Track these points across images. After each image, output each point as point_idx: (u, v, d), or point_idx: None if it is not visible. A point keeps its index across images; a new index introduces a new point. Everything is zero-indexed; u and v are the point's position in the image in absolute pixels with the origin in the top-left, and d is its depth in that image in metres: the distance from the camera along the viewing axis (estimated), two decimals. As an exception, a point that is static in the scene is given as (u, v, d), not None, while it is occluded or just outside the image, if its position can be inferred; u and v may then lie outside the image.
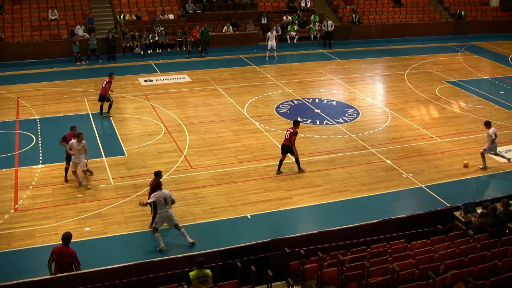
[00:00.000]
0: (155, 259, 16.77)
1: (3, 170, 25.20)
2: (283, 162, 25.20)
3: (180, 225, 19.96)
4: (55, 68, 40.54)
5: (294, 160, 25.15)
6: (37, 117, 31.15)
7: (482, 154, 25.75)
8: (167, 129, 29.44)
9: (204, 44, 44.65)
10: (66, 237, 16.52)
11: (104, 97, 30.73)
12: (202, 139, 28.29)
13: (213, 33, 45.95)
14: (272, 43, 43.56)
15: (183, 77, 38.15)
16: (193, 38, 44.32)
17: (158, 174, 20.50)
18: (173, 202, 19.86)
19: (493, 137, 25.36)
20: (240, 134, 29.00)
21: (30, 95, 34.61)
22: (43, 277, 16.19)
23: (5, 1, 45.57)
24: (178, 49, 44.91)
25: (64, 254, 16.42)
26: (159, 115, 31.30)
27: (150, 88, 36.09)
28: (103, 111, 31.06)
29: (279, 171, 25.14)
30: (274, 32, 43.87)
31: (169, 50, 44.73)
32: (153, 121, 30.46)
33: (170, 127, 29.62)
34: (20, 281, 15.97)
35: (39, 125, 30.06)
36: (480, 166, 25.82)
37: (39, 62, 41.46)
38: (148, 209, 21.74)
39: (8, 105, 33.14)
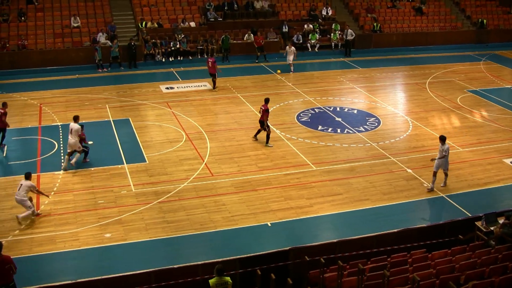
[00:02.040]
0: (175, 266, 16.83)
1: (25, 176, 25.41)
2: (259, 133, 28.98)
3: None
4: (77, 75, 40.81)
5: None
6: (59, 124, 31.38)
7: (434, 173, 24.41)
8: (188, 136, 29.53)
9: (225, 52, 44.78)
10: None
11: None
12: (223, 147, 28.34)
13: (234, 41, 46.05)
14: (289, 57, 42.59)
15: (204, 85, 38.24)
16: (256, 44, 45.28)
17: None
18: None
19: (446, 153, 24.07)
20: (260, 141, 28.98)
21: (52, 101, 34.87)
22: (62, 283, 16.32)
23: (28, 9, 45.99)
24: (199, 56, 45.03)
25: (4, 262, 16.32)
26: (180, 122, 31.40)
27: (171, 95, 36.23)
28: None
29: (255, 138, 29.21)
30: (293, 47, 42.83)
31: (190, 57, 44.88)
32: (174, 128, 30.56)
33: (191, 135, 29.71)
34: (40, 286, 16.11)
35: (61, 131, 30.25)
36: (428, 188, 24.72)
37: (61, 69, 41.77)
38: (168, 215, 21.91)
39: (30, 111, 33.43)
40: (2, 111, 28.54)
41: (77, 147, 26.00)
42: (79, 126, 25.96)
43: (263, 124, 28.61)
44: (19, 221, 21.47)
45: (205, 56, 44.69)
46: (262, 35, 46.93)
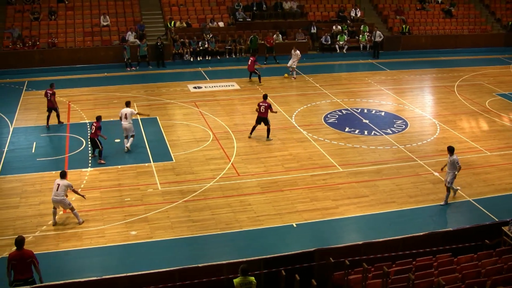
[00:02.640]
0: (199, 265, 16.83)
1: (53, 172, 25.61)
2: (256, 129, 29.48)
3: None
4: (105, 74, 41.10)
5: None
6: (87, 121, 31.63)
7: (448, 188, 23.40)
8: (215, 136, 29.64)
9: (253, 52, 44.81)
10: (20, 241, 16.62)
11: None
12: (250, 147, 28.38)
13: (262, 41, 46.07)
14: (291, 61, 40.43)
15: (232, 85, 38.31)
16: (267, 44, 45.26)
17: None
18: None
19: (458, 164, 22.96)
20: (287, 142, 29.02)
21: (80, 99, 35.14)
22: (88, 279, 16.45)
23: (58, 7, 46.43)
24: (227, 56, 45.15)
25: (25, 256, 16.60)
26: (207, 121, 31.52)
27: (199, 95, 36.34)
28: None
29: (250, 136, 29.53)
30: (297, 51, 40.66)
31: (218, 57, 45.03)
32: (201, 127, 30.67)
33: (218, 134, 29.80)
34: (66, 281, 16.20)
35: (89, 129, 30.49)
36: (442, 203, 23.56)
37: (90, 67, 42.13)
38: (194, 214, 21.97)
39: (60, 108, 33.62)
40: (51, 91, 30.30)
41: (132, 130, 27.23)
42: (132, 110, 26.95)
43: (263, 120, 29.19)
44: (55, 220, 21.63)
45: (233, 56, 44.87)
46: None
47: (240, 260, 16.71)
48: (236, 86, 38.29)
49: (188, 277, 16.27)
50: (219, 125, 31.12)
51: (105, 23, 45.53)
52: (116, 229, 21.23)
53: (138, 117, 30.23)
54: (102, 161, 26.56)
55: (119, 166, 26.21)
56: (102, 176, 25.24)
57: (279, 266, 16.52)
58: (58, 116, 31.23)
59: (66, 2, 46.98)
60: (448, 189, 23.18)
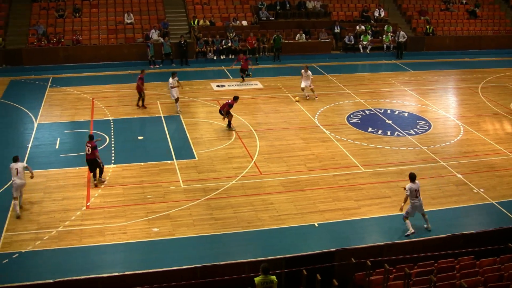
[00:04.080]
0: (221, 263, 16.89)
1: (77, 168, 25.85)
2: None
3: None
4: (129, 71, 41.27)
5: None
6: (110, 118, 31.86)
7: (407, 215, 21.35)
8: (237, 134, 29.67)
9: (276, 51, 44.83)
10: None
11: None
12: (272, 146, 28.40)
13: (285, 41, 46.06)
14: (305, 83, 36.00)
15: (255, 84, 38.33)
16: (249, 45, 44.86)
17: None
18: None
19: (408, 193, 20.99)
20: (310, 142, 29.00)
21: (104, 96, 35.34)
22: (111, 274, 16.61)
23: (83, 5, 46.75)
24: (250, 55, 45.17)
25: None
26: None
27: (222, 93, 36.39)
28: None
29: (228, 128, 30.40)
30: (309, 72, 35.87)
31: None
32: (224, 126, 30.69)
33: (240, 133, 29.84)
34: (88, 276, 16.34)
35: (112, 126, 30.71)
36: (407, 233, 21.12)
37: (114, 64, 42.39)
38: (216, 212, 22.04)
39: (83, 105, 34.00)
40: (141, 76, 32.07)
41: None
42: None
43: (221, 113, 30.51)
44: None
45: (257, 55, 44.88)
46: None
47: (262, 258, 16.76)
48: (259, 85, 38.32)
49: (209, 275, 16.32)
50: (242, 123, 31.14)
51: (129, 21, 45.77)
52: (138, 226, 21.34)
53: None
54: (103, 180, 24.89)
55: (142, 163, 26.34)
56: (125, 173, 25.38)
57: (300, 266, 16.54)
58: (143, 100, 33.75)
59: (91, -1, 47.37)
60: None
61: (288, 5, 49.60)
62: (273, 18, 48.54)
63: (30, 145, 28.51)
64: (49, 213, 22.16)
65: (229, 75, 40.76)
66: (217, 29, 46.15)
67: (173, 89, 32.50)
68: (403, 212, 21.09)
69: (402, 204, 21.08)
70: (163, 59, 43.17)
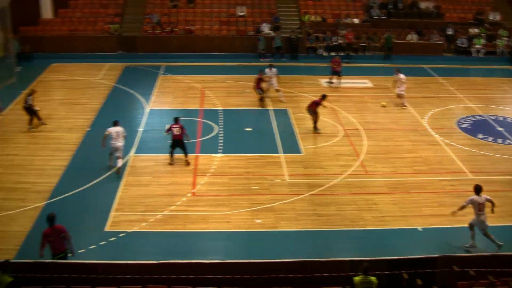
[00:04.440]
0: (321, 259, 16.82)
1: (184, 155, 26.32)
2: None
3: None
4: (239, 63, 41.68)
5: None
6: (219, 108, 32.32)
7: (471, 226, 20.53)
8: (345, 132, 29.49)
9: (387, 51, 44.29)
10: (52, 217, 17.01)
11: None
12: (379, 146, 28.08)
13: (396, 40, 45.45)
14: (400, 89, 34.05)
15: (365, 82, 37.96)
16: (347, 40, 44.52)
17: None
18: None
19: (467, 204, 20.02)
20: (418, 144, 28.50)
21: (214, 86, 35.78)
22: (211, 261, 16.81)
23: (197, -4, 47.71)
24: (360, 53, 44.79)
25: (58, 231, 16.96)
26: (339, 117, 31.42)
27: (331, 90, 36.16)
28: None
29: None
30: (401, 75, 34.04)
31: (351, 53, 44.70)
32: (332, 123, 30.59)
33: (348, 131, 29.63)
34: (190, 261, 16.66)
35: (221, 115, 31.13)
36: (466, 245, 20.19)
37: (225, 55, 42.89)
38: (319, 208, 22.03)
39: (193, 94, 34.63)
40: (260, 76, 32.11)
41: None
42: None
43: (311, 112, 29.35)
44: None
45: (367, 54, 44.51)
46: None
47: (363, 258, 16.54)
48: (369, 84, 37.96)
49: (308, 270, 16.31)
50: (350, 121, 30.93)
51: (241, 13, 46.26)
52: (242, 216, 21.58)
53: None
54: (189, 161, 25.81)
55: (249, 155, 26.60)
56: (232, 163, 25.67)
57: (401, 269, 16.33)
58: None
59: (205, -10, 48.18)
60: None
61: (400, 4, 48.87)
62: (385, 17, 47.95)
63: (141, 129, 29.31)
64: (156, 197, 22.70)
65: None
66: (328, 26, 46.02)
67: (272, 79, 33.23)
68: (455, 212, 20.17)
69: (456, 209, 20.21)
70: (273, 53, 43.38)
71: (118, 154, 24.55)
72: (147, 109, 32.13)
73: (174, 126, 25.55)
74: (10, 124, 29.82)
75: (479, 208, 19.68)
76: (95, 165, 25.51)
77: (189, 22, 45.00)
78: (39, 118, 29.45)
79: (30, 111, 29.12)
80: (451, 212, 20.22)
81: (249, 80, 36.18)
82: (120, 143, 24.52)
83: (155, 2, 47.29)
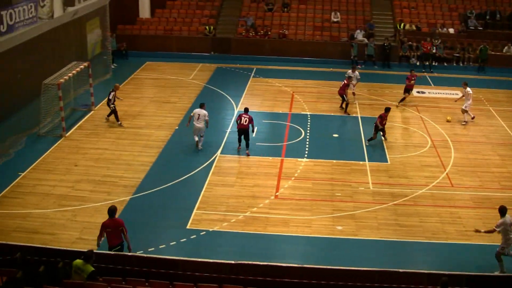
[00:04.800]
0: (400, 270, 16.65)
1: (270, 158, 26.60)
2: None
3: None
4: (331, 69, 41.66)
5: None
6: (308, 113, 32.41)
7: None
8: (433, 143, 29.03)
9: (481, 62, 43.31)
10: (114, 210, 17.60)
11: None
12: (467, 159, 27.51)
13: (492, 52, 44.35)
14: (466, 103, 32.34)
15: (456, 93, 37.20)
16: (424, 50, 43.41)
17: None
18: None
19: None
20: (507, 159, 27.74)
21: (304, 91, 35.82)
22: (289, 264, 16.81)
23: (292, 0, 47.86)
24: (454, 64, 43.95)
25: (116, 224, 17.39)
26: (427, 128, 30.97)
27: (422, 99, 35.70)
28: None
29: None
30: (468, 88, 32.25)
31: (445, 64, 43.91)
32: (420, 133, 30.21)
33: (436, 142, 29.16)
34: (267, 263, 16.71)
35: (309, 120, 31.21)
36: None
37: (317, 61, 42.90)
38: (401, 219, 21.82)
39: (283, 98, 34.86)
40: (346, 82, 32.45)
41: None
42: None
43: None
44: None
45: (461, 64, 43.66)
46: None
47: (442, 272, 16.31)
48: (460, 95, 37.15)
49: (387, 280, 16.17)
50: (438, 132, 30.44)
51: (335, 19, 46.19)
52: (323, 222, 21.60)
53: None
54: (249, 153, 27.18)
55: (334, 161, 26.58)
56: (317, 168, 25.70)
57: (480, 286, 15.99)
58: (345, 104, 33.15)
59: (301, -4, 48.39)
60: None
61: (498, 15, 47.61)
62: (481, 28, 46.85)
63: (229, 130, 29.72)
64: (238, 198, 23.00)
65: (430, 82, 39.86)
66: (422, 35, 45.33)
67: (352, 82, 33.96)
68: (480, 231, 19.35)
69: (482, 230, 19.42)
70: (365, 60, 43.14)
71: (201, 133, 27.19)
72: (236, 111, 32.50)
73: (244, 115, 26.39)
74: (102, 119, 30.78)
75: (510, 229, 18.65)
76: (181, 163, 26.11)
77: (283, 26, 45.25)
78: (118, 119, 30.36)
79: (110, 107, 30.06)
80: (475, 230, 19.50)
81: (338, 86, 36.18)
82: (199, 124, 26.77)
83: (250, 5, 47.83)
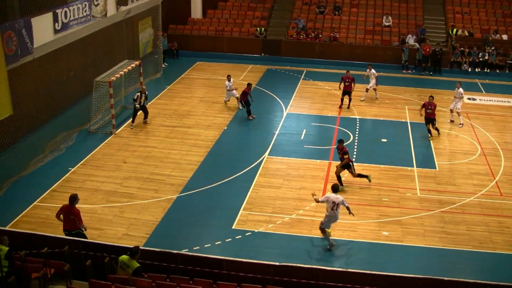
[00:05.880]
0: (445, 278, 16.42)
1: (318, 161, 26.62)
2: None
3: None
4: (381, 73, 41.35)
5: None
6: (357, 117, 32.31)
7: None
8: (482, 151, 28.61)
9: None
10: (73, 197, 18.15)
11: None
12: (517, 168, 27.14)
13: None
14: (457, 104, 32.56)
15: (508, 101, 36.67)
16: (424, 53, 42.58)
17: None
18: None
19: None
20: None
21: (354, 94, 35.16)
22: (333, 268, 16.87)
23: (344, 4, 47.72)
24: (507, 71, 43.24)
25: (70, 211, 18.06)
26: (477, 135, 30.58)
27: (472, 106, 35.24)
28: None
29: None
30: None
31: (497, 71, 43.25)
32: (470, 140, 29.85)
33: (486, 150, 28.73)
34: (311, 266, 16.72)
35: (357, 124, 31.13)
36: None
37: (367, 65, 42.39)
38: (448, 226, 21.62)
39: (332, 101, 34.86)
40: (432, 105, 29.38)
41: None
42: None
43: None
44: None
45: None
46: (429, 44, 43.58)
47: (488, 282, 16.09)
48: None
49: (431, 288, 16.08)
50: (488, 140, 30.01)
51: (387, 24, 45.93)
52: (368, 226, 21.54)
53: None
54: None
55: (382, 166, 26.46)
56: (365, 172, 25.44)
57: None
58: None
59: (352, -1, 48.26)
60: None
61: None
62: (537, 36, 46.15)
63: (277, 132, 29.81)
64: (285, 200, 23.06)
65: (482, 89, 39.31)
66: (475, 41, 44.73)
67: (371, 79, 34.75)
68: None
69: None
70: (416, 65, 42.76)
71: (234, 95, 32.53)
72: (285, 113, 32.56)
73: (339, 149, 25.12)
74: (151, 117, 31.09)
75: None
76: (229, 163, 26.31)
77: (334, 29, 45.13)
78: (133, 119, 30.47)
79: (142, 108, 30.26)
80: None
81: (389, 91, 36.14)
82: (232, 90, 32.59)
83: (302, 8, 47.84)
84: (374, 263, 19.19)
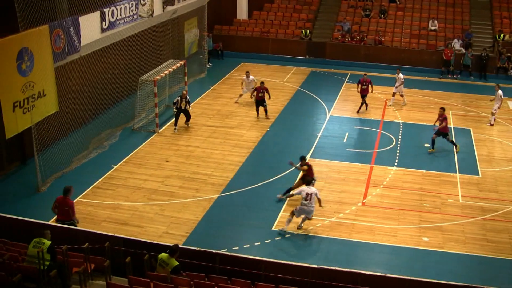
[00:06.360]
0: (485, 287, 16.20)
1: (359, 164, 26.55)
2: None
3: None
4: (426, 77, 41.11)
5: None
6: (400, 121, 32.12)
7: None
8: (530, 159, 28.23)
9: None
10: (66, 189, 18.62)
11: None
12: None
13: None
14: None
15: (555, 108, 36.17)
16: (445, 57, 41.89)
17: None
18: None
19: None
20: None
21: (397, 99, 35.19)
22: (372, 273, 16.57)
23: (389, 7, 47.46)
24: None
25: (64, 203, 18.53)
26: (523, 141, 30.20)
27: (519, 111, 34.85)
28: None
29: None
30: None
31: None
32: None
33: (530, 157, 28.40)
34: (350, 270, 16.48)
35: (401, 129, 30.93)
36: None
37: (412, 69, 42.08)
38: (490, 234, 21.37)
39: (376, 104, 34.65)
40: (442, 117, 28.44)
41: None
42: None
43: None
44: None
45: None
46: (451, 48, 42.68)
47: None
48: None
49: (468, 297, 15.90)
50: (530, 147, 29.67)
51: (433, 28, 45.52)
52: (409, 232, 21.40)
53: None
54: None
55: (424, 171, 26.25)
56: (406, 177, 25.45)
57: None
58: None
59: (398, 2, 47.89)
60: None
61: None
62: None
63: (320, 134, 29.82)
64: (325, 202, 22.87)
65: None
66: (523, 47, 44.21)
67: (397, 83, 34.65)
68: None
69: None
70: (461, 70, 42.27)
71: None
72: (328, 115, 32.53)
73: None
74: (195, 117, 31.29)
75: None
76: (271, 164, 26.40)
77: (379, 32, 44.92)
78: (175, 123, 30.45)
79: (184, 111, 30.18)
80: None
81: (434, 96, 35.82)
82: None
83: (348, 11, 47.72)
84: (414, 268, 19.06)
